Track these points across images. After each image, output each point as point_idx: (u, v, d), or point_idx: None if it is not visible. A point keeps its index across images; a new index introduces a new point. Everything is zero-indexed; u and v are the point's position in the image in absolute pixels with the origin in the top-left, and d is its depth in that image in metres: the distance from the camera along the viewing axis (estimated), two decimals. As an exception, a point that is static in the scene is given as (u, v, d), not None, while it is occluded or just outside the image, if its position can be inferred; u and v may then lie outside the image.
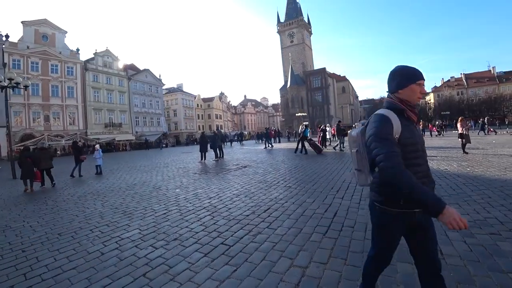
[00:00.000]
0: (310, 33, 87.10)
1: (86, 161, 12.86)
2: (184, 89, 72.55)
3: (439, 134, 27.70)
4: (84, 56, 44.05)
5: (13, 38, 34.98)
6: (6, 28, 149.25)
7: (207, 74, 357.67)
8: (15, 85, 12.80)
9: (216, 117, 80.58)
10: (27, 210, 5.89)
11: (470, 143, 11.69)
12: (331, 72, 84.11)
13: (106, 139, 41.52)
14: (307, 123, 49.78)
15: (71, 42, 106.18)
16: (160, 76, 57.97)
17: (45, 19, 38.29)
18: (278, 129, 42.96)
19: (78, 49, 41.82)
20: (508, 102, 64.81)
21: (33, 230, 4.43)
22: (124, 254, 3.25)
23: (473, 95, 74.08)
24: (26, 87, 14.12)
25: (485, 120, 27.24)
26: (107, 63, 46.35)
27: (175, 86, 72.97)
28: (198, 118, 74.83)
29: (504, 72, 76.41)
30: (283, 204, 4.99)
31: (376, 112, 1.67)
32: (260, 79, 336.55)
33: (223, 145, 16.73)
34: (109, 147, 41.00)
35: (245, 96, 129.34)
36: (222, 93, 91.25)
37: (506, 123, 43.53)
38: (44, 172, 9.27)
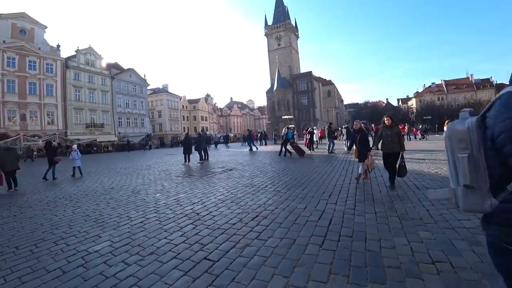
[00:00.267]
0: (297, 36, 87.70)
1: (64, 162, 12.07)
2: (170, 90, 71.27)
3: (423, 138, 28.21)
4: (65, 53, 42.43)
5: (-13, 32, 33.21)
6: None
7: (193, 75, 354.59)
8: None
9: (202, 119, 79.57)
10: (-14, 218, 5.24)
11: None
12: (317, 75, 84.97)
13: (87, 140, 39.96)
14: (293, 125, 49.95)
15: (51, 38, 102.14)
16: (145, 76, 56.70)
17: (24, 12, 36.58)
18: (264, 131, 42.54)
19: (58, 46, 40.16)
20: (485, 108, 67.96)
21: (-14, 242, 3.85)
22: (90, 273, 2.76)
23: (453, 101, 76.96)
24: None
25: None
26: (90, 61, 44.71)
27: (160, 87, 71.53)
28: (184, 120, 73.65)
29: (481, 80, 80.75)
30: (272, 210, 4.60)
31: (509, 89, 0.99)
32: (247, 82, 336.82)
33: (208, 147, 16.16)
34: (90, 148, 39.50)
35: (231, 98, 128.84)
36: (208, 95, 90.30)
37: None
38: (10, 174, 8.50)
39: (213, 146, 32.78)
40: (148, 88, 60.25)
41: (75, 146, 12.21)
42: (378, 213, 4.25)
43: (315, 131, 20.53)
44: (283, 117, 62.88)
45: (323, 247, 3.08)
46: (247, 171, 9.96)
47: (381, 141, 6.05)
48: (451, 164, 1.16)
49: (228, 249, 3.15)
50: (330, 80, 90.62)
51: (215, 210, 4.79)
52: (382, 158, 6.18)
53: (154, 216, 4.61)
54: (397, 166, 5.82)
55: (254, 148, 22.13)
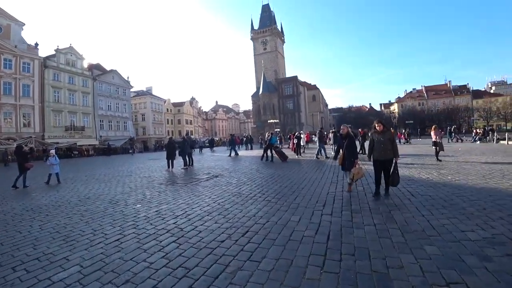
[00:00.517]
0: (283, 41, 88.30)
1: (41, 168, 11.24)
2: (154, 93, 69.98)
3: (407, 142, 28.73)
4: (44, 52, 40.72)
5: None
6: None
7: (178, 78, 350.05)
8: None
9: (187, 123, 78.41)
10: None
11: (444, 151, 11.83)
12: (303, 80, 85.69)
13: (66, 144, 38.27)
14: (278, 129, 49.77)
15: (29, 36, 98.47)
16: (128, 78, 55.21)
17: (-1, 7, 34.73)
18: (250, 135, 42.13)
19: (37, 44, 38.34)
20: (463, 113, 71.10)
21: None
22: (50, 310, 2.30)
23: (433, 106, 79.91)
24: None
25: (452, 128, 28.74)
26: (70, 61, 42.98)
27: (144, 89, 70.09)
28: (168, 123, 72.29)
29: (459, 86, 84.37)
30: (264, 224, 4.21)
31: None
32: (232, 85, 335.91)
33: (192, 152, 15.53)
34: (71, 153, 37.86)
35: (216, 102, 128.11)
36: (193, 98, 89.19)
37: (463, 131, 46.76)
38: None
39: (198, 150, 32.08)
40: (132, 90, 58.82)
41: (53, 151, 11.38)
42: (378, 225, 3.97)
43: (302, 136, 20.36)
44: (268, 121, 62.93)
45: (325, 269, 2.74)
46: (234, 177, 9.55)
47: (373, 148, 5.71)
48: None
49: (217, 274, 2.73)
50: (315, 85, 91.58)
51: (201, 225, 4.35)
52: (373, 166, 5.82)
53: (133, 233, 4.12)
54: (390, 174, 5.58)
55: (233, 154, 21.13)
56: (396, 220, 4.12)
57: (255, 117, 78.36)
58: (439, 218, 4.14)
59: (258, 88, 76.96)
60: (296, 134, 19.09)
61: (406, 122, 57.72)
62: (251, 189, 7.18)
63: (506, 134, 22.55)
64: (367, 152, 6.19)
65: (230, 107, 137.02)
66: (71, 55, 43.28)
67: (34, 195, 8.05)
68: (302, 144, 19.15)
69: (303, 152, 18.88)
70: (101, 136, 46.15)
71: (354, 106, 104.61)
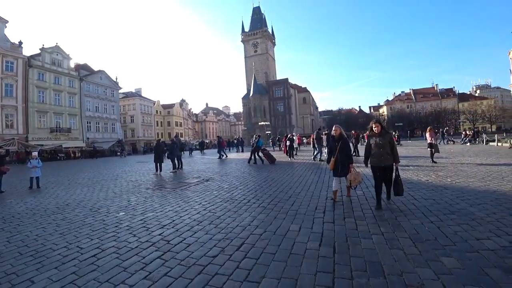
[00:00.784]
0: (274, 44, 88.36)
1: (22, 171, 10.53)
2: (143, 94, 68.78)
3: (398, 143, 28.86)
4: (28, 51, 39.32)
5: None
6: None
7: (168, 79, 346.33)
8: None
9: (176, 125, 77.31)
10: None
11: (439, 152, 11.71)
12: (293, 83, 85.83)
13: (51, 146, 36.93)
14: (269, 132, 49.44)
15: (13, 34, 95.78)
16: (116, 79, 53.90)
17: (-21, 6, 33.38)
18: (240, 138, 41.66)
19: (21, 42, 36.86)
20: (450, 116, 72.91)
21: None
22: None
23: (421, 109, 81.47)
24: None
25: (445, 130, 29.05)
26: (56, 61, 41.54)
27: (133, 91, 68.81)
28: (157, 125, 71.12)
29: (445, 89, 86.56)
30: (261, 235, 3.79)
31: None
32: (223, 87, 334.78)
33: (182, 154, 14.92)
34: (56, 155, 36.54)
35: (206, 104, 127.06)
36: (183, 100, 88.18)
37: (451, 133, 47.72)
38: None
39: (187, 153, 31.39)
40: (120, 91, 57.46)
41: (35, 154, 10.69)
42: (386, 234, 3.62)
43: (294, 138, 20.07)
44: (259, 123, 62.58)
45: (335, 291, 2.35)
46: (225, 181, 9.09)
47: (370, 152, 5.04)
48: None
49: (208, 300, 2.31)
50: (305, 88, 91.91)
51: (190, 236, 3.90)
52: (372, 174, 5.16)
53: (113, 246, 3.62)
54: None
55: (223, 156, 20.76)
56: (404, 228, 3.78)
57: (246, 119, 77.90)
58: (449, 224, 3.84)
59: (248, 91, 76.63)
60: (288, 136, 18.85)
61: (396, 124, 58.44)
62: (244, 194, 6.76)
63: (496, 136, 22.83)
64: (363, 155, 5.54)
65: (221, 109, 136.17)
66: (57, 55, 41.90)
67: (8, 202, 7.41)
68: (295, 146, 18.86)
69: (296, 154, 18.58)
70: (88, 138, 44.82)
71: (344, 108, 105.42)
